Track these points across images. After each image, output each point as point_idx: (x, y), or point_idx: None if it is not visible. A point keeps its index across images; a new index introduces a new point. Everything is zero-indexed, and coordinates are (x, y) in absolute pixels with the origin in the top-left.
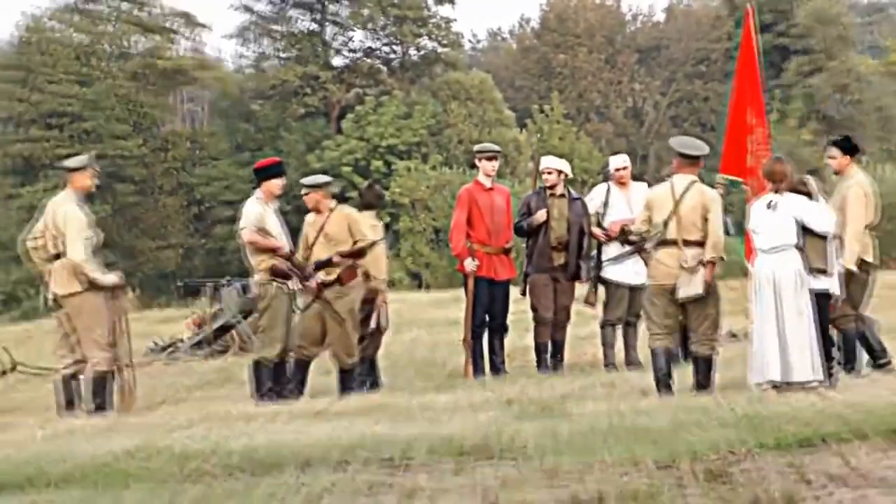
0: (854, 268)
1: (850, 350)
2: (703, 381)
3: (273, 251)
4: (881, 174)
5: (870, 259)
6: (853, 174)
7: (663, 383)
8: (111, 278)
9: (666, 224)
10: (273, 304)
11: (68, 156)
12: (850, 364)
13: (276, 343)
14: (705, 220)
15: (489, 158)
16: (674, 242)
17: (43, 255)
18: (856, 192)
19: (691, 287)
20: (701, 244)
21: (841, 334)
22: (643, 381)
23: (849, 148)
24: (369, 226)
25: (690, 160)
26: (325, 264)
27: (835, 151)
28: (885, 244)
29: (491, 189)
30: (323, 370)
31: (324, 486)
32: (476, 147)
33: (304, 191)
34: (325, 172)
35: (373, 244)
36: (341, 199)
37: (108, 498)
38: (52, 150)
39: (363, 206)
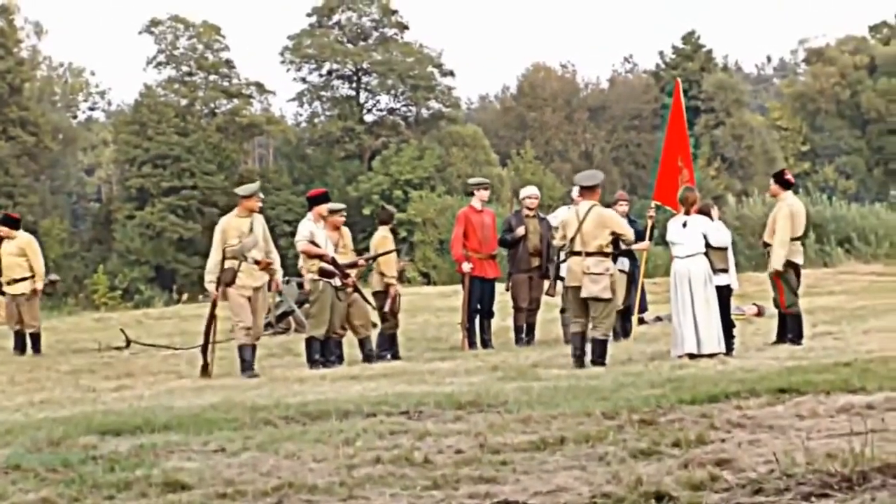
0: (780, 268)
1: (797, 327)
2: (598, 359)
3: (320, 257)
4: (770, 202)
5: (796, 261)
6: (784, 199)
7: (578, 359)
8: (209, 288)
9: (573, 240)
10: (321, 296)
11: (172, 189)
12: (798, 338)
13: (323, 325)
14: (612, 232)
15: (484, 189)
16: (579, 253)
17: None
18: (784, 211)
19: (597, 289)
20: (601, 254)
21: (790, 317)
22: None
23: (780, 180)
24: (381, 237)
25: (589, 189)
26: (352, 266)
27: (772, 182)
28: None
29: (481, 211)
30: (354, 344)
31: (357, 430)
32: (472, 180)
33: (329, 214)
34: (359, 200)
35: (384, 253)
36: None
37: (199, 440)
38: (159, 184)
39: (380, 221)
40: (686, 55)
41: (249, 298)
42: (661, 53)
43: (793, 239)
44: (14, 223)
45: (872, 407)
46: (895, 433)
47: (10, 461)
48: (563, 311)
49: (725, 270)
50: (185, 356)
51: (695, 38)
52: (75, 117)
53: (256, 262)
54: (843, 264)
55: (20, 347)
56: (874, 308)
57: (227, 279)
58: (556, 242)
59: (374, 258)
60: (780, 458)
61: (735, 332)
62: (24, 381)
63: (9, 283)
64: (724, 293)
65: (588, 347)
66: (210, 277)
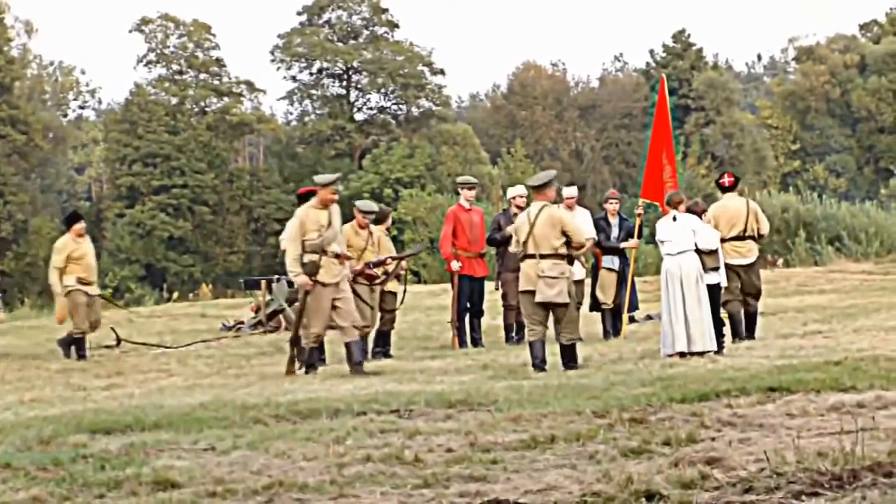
0: None
1: (735, 325)
2: (569, 364)
3: None
4: (758, 198)
5: (729, 261)
6: (720, 200)
7: (539, 367)
8: (299, 280)
9: (525, 243)
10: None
11: (162, 187)
12: (736, 335)
13: None
14: (563, 233)
15: (469, 188)
16: (532, 256)
17: None
18: (708, 212)
19: (552, 293)
20: (557, 255)
21: (728, 313)
22: (583, 352)
23: (716, 183)
24: (376, 237)
25: (538, 189)
26: (380, 263)
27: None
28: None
29: (470, 210)
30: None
31: (347, 429)
32: (459, 179)
33: (362, 214)
34: (350, 198)
35: (412, 254)
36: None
37: (189, 439)
38: (149, 182)
39: (376, 221)
40: (676, 54)
41: (334, 299)
42: (651, 52)
43: (726, 239)
44: None
45: (863, 405)
46: (885, 432)
47: (1, 460)
48: None
49: (716, 269)
50: (175, 355)
51: (685, 36)
52: (66, 116)
53: (336, 256)
54: (833, 263)
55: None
56: (865, 306)
57: (309, 272)
58: (511, 248)
59: (403, 258)
60: (770, 457)
61: (725, 330)
62: (15, 380)
63: (89, 284)
64: (713, 291)
65: (562, 355)
66: (295, 269)
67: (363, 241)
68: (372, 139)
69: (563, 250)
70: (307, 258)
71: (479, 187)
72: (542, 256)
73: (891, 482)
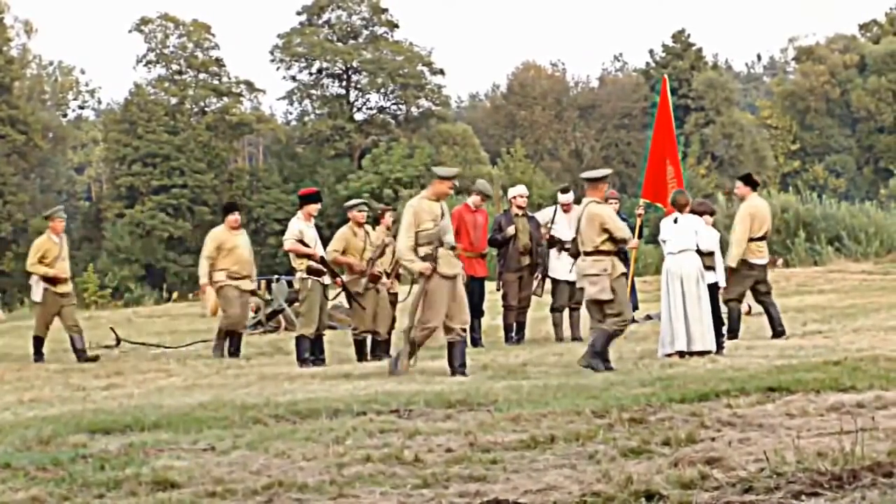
0: (733, 265)
1: (731, 322)
2: (597, 349)
3: (308, 257)
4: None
5: (753, 260)
6: (749, 200)
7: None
8: (417, 266)
9: (574, 240)
10: (310, 294)
11: (162, 187)
12: (733, 333)
13: (312, 323)
14: (605, 230)
15: (483, 198)
16: (580, 254)
17: None
18: (742, 213)
19: (595, 290)
20: (598, 252)
21: (728, 311)
22: (581, 352)
23: (748, 182)
24: (374, 236)
25: (589, 182)
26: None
27: (739, 184)
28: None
29: (475, 211)
30: (345, 343)
31: (347, 429)
32: (478, 184)
33: (355, 209)
34: (348, 198)
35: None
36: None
37: (188, 439)
38: (148, 182)
39: (375, 220)
40: (676, 53)
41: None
42: (651, 52)
43: (753, 239)
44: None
45: (862, 405)
46: (885, 432)
47: (0, 460)
48: (553, 309)
49: (713, 268)
50: (174, 355)
51: (685, 36)
52: (65, 116)
53: (452, 248)
54: (833, 263)
55: (237, 347)
56: (864, 306)
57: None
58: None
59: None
60: (770, 457)
61: (724, 330)
62: (14, 380)
63: (242, 278)
64: (711, 291)
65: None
66: (411, 256)
67: (361, 241)
68: (371, 139)
69: (606, 247)
70: (422, 250)
71: (490, 199)
72: (586, 254)
73: (890, 482)
